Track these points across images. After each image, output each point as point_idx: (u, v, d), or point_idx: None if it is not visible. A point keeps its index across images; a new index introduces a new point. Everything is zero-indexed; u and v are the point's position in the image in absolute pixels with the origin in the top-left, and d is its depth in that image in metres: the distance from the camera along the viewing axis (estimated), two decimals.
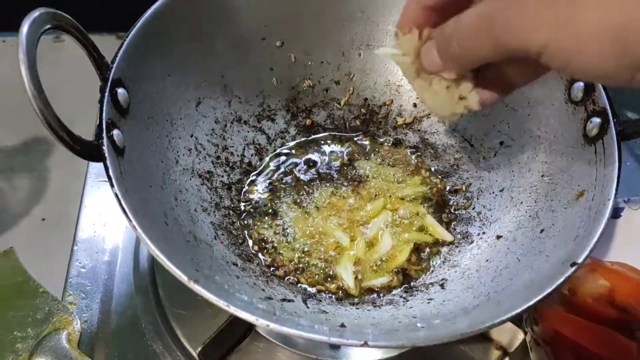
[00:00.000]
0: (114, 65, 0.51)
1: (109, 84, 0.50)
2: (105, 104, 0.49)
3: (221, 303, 0.41)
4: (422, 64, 0.47)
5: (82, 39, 0.49)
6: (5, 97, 0.77)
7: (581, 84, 0.56)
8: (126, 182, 0.47)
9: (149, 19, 0.55)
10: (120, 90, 0.51)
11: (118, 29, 0.93)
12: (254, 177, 0.66)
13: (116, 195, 0.44)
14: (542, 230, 0.54)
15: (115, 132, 0.49)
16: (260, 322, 0.41)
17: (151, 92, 0.57)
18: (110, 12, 0.89)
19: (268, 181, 0.66)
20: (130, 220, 0.43)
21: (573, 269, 0.45)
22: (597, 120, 0.54)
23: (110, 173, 0.45)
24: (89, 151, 0.46)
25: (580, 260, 0.45)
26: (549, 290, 0.44)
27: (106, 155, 0.46)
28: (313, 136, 0.71)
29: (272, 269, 0.58)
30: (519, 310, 0.42)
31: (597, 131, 0.53)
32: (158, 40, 0.57)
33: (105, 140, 0.47)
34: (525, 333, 0.57)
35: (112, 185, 0.45)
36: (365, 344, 0.40)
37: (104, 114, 0.48)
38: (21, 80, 0.42)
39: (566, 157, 0.57)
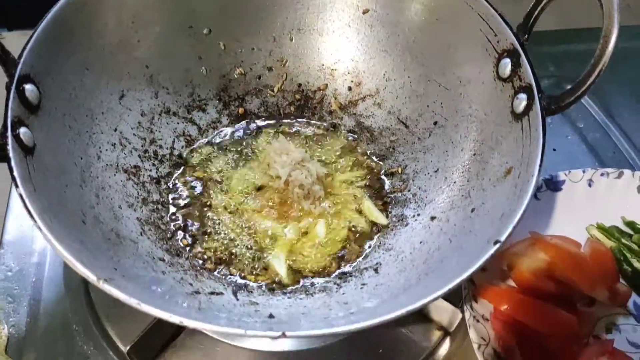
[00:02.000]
0: (21, 60, 0.49)
1: (15, 81, 0.48)
2: (10, 101, 0.47)
3: (132, 301, 0.40)
4: None
5: None
6: None
7: (508, 59, 0.55)
8: (35, 181, 0.45)
9: (59, 12, 0.53)
10: (29, 87, 0.49)
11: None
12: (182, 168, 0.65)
13: (20, 195, 0.43)
14: (472, 210, 0.54)
15: (23, 130, 0.47)
16: (173, 319, 0.39)
17: (67, 87, 0.54)
18: (35, 8, 0.87)
19: (198, 171, 0.64)
20: (35, 221, 0.42)
21: (496, 247, 0.44)
22: (523, 96, 0.53)
23: (15, 173, 0.44)
24: None
25: (502, 238, 0.45)
26: (473, 269, 0.43)
27: (10, 155, 0.44)
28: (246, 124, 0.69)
29: (201, 262, 0.57)
30: (442, 291, 0.42)
31: (524, 107, 0.53)
32: (71, 34, 0.54)
33: (9, 140, 0.45)
34: (464, 312, 0.57)
35: (16, 186, 0.43)
36: (283, 335, 0.39)
37: (9, 112, 0.46)
38: None
39: (496, 135, 0.56)
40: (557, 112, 0.52)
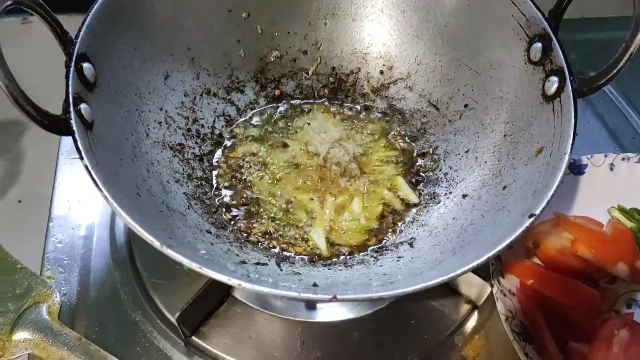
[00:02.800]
0: (78, 40, 0.51)
1: (73, 59, 0.50)
2: (70, 78, 0.49)
3: (194, 265, 0.42)
4: None
5: (44, 14, 0.50)
6: None
7: (539, 44, 0.57)
8: (96, 154, 0.48)
9: None
10: (86, 65, 0.51)
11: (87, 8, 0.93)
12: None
13: (86, 167, 0.45)
14: (504, 187, 0.57)
15: (83, 106, 0.49)
16: (232, 282, 0.42)
17: (118, 66, 0.57)
18: None
19: (237, 150, 0.67)
20: (101, 191, 0.44)
21: (531, 219, 0.47)
22: (554, 79, 0.55)
23: (80, 146, 0.46)
24: (57, 125, 0.47)
25: (537, 212, 0.47)
26: (509, 240, 0.46)
27: (74, 128, 0.47)
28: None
29: (245, 234, 0.60)
30: (480, 261, 0.44)
31: (555, 90, 0.55)
32: (122, 14, 0.57)
33: (72, 114, 0.47)
34: (492, 286, 0.60)
35: (81, 158, 0.46)
36: (334, 298, 0.42)
37: (70, 89, 0.49)
38: None
39: (526, 116, 0.58)
40: (588, 94, 0.54)
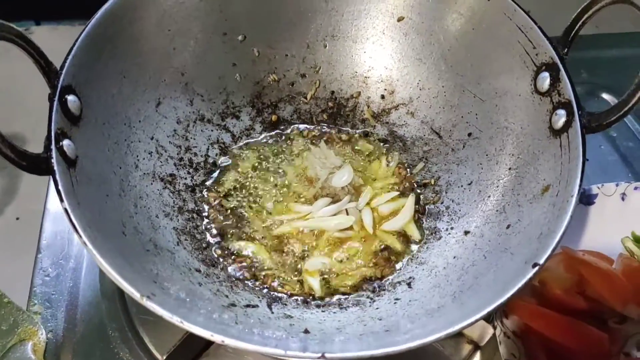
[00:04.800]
0: (63, 71, 0.49)
1: (57, 92, 0.48)
2: (54, 113, 0.47)
3: (174, 320, 0.41)
4: None
5: (26, 46, 0.48)
6: None
7: (547, 74, 0.55)
8: (78, 194, 0.46)
9: (99, 21, 0.53)
10: (71, 98, 0.49)
11: (76, 16, 0.92)
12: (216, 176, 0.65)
13: (65, 210, 0.43)
14: (508, 226, 0.54)
15: (66, 142, 0.47)
16: (215, 338, 0.40)
17: (105, 95, 0.55)
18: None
19: (231, 180, 0.65)
20: (80, 237, 0.42)
21: (534, 270, 0.44)
22: (562, 112, 0.53)
23: (60, 187, 0.44)
24: (37, 166, 0.45)
25: (541, 262, 0.44)
26: (511, 292, 0.43)
27: (55, 168, 0.45)
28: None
29: (235, 272, 0.57)
30: (480, 315, 0.42)
31: (562, 124, 0.52)
32: (109, 42, 0.55)
33: (54, 153, 0.45)
34: (495, 327, 0.57)
35: (61, 200, 0.43)
36: (322, 357, 0.40)
37: (52, 125, 0.47)
38: None
39: (533, 150, 0.56)
40: (598, 131, 0.51)
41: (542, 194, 0.52)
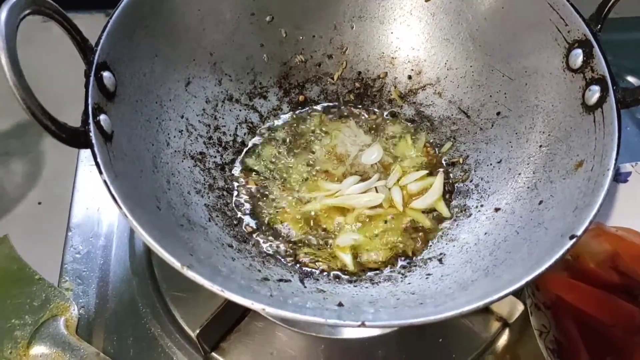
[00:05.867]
0: (98, 48, 0.49)
1: (93, 68, 0.48)
2: (90, 88, 0.48)
3: (215, 288, 0.41)
4: None
5: (64, 22, 0.48)
6: None
7: (579, 50, 0.54)
8: (115, 167, 0.46)
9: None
10: (106, 74, 0.50)
11: (107, 5, 0.92)
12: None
13: (105, 182, 0.43)
14: (540, 202, 0.54)
15: (102, 117, 0.47)
16: (255, 306, 0.40)
17: (138, 73, 0.55)
18: None
19: (261, 158, 0.65)
20: (120, 208, 0.43)
21: (572, 241, 0.44)
22: (596, 88, 0.52)
23: (99, 159, 0.44)
24: (75, 138, 0.45)
25: (579, 233, 0.44)
26: (549, 264, 0.43)
27: (93, 141, 0.45)
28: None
29: (267, 248, 0.58)
30: (518, 285, 0.42)
31: (596, 100, 0.52)
32: (143, 20, 0.55)
33: (92, 126, 0.45)
34: (527, 297, 0.57)
35: (100, 172, 0.44)
36: (363, 325, 0.40)
37: (89, 99, 0.47)
38: None
39: (564, 127, 0.55)
40: (633, 106, 0.51)
41: (576, 169, 0.52)
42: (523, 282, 0.42)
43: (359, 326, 0.40)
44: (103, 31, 0.51)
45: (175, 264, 0.41)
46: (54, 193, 0.74)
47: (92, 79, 0.48)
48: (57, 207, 0.71)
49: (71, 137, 0.45)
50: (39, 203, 0.74)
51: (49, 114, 0.43)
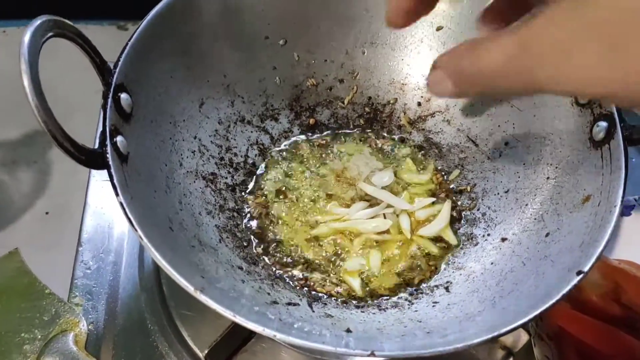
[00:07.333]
0: (117, 70, 0.50)
1: (111, 90, 0.49)
2: (108, 110, 0.48)
3: (227, 313, 0.41)
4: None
5: (84, 45, 0.49)
6: (4, 89, 0.76)
7: None
8: (131, 189, 0.47)
9: (151, 22, 0.54)
10: (124, 95, 0.50)
11: (118, 16, 0.93)
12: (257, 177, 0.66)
13: (121, 204, 0.44)
14: (547, 234, 0.54)
15: (119, 138, 0.48)
16: (267, 332, 0.41)
17: (154, 94, 0.56)
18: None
19: (270, 180, 0.66)
20: (136, 230, 0.43)
21: (579, 277, 0.45)
22: (603, 124, 0.53)
23: (115, 181, 0.45)
24: (93, 160, 0.46)
25: (586, 269, 0.45)
26: (556, 299, 0.44)
27: (110, 163, 0.46)
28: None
29: (275, 270, 0.58)
30: (526, 319, 0.42)
31: (604, 135, 0.53)
32: (160, 41, 0.56)
33: (109, 148, 0.46)
34: (529, 333, 0.58)
35: (117, 194, 0.45)
36: (372, 354, 0.40)
37: (107, 121, 0.48)
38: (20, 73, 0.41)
39: (572, 160, 0.56)
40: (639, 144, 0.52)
41: (583, 203, 0.53)
42: (531, 316, 0.43)
43: (369, 355, 0.40)
44: (121, 54, 0.51)
45: (189, 287, 0.42)
46: (61, 203, 0.74)
47: (110, 100, 0.49)
48: (64, 217, 0.72)
49: (89, 159, 0.45)
50: (46, 213, 0.75)
51: (69, 137, 0.44)
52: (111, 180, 0.45)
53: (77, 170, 0.74)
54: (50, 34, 0.45)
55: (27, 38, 0.42)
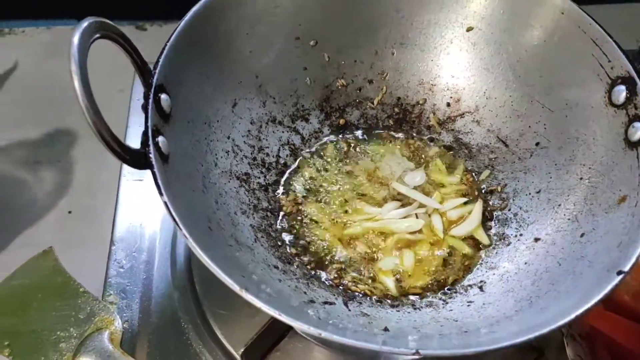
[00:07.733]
0: (157, 71, 0.51)
1: (152, 90, 0.50)
2: (150, 110, 0.49)
3: (272, 312, 0.41)
4: None
5: (127, 46, 0.50)
6: (27, 89, 0.77)
7: (623, 87, 0.55)
8: (172, 188, 0.47)
9: (189, 22, 0.55)
10: (163, 96, 0.51)
11: (136, 17, 0.93)
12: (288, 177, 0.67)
13: (165, 203, 0.45)
14: (582, 235, 0.54)
15: (160, 138, 0.49)
16: (312, 331, 0.41)
17: (190, 95, 0.57)
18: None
19: (302, 180, 0.66)
20: (180, 229, 0.44)
21: (620, 277, 0.45)
22: (639, 125, 0.53)
23: (159, 181, 0.46)
24: (137, 160, 0.46)
25: (626, 269, 0.45)
26: (598, 298, 0.44)
27: (154, 163, 0.46)
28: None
29: (309, 269, 0.59)
30: (569, 318, 0.43)
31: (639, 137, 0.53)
32: (197, 43, 0.56)
33: (152, 148, 0.47)
34: (562, 333, 0.58)
35: (160, 194, 0.45)
36: (417, 353, 0.41)
37: (149, 121, 0.48)
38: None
39: (606, 161, 0.56)
40: None
41: (619, 204, 0.53)
42: (573, 315, 0.43)
43: (414, 354, 0.41)
44: (160, 55, 0.52)
45: (234, 286, 0.42)
46: (84, 202, 0.75)
47: (151, 101, 0.50)
48: (87, 217, 0.73)
49: (134, 159, 0.46)
50: (69, 212, 0.75)
51: (116, 138, 0.45)
52: (155, 179, 0.46)
53: (100, 169, 0.76)
54: (97, 35, 0.45)
55: (76, 39, 0.43)
